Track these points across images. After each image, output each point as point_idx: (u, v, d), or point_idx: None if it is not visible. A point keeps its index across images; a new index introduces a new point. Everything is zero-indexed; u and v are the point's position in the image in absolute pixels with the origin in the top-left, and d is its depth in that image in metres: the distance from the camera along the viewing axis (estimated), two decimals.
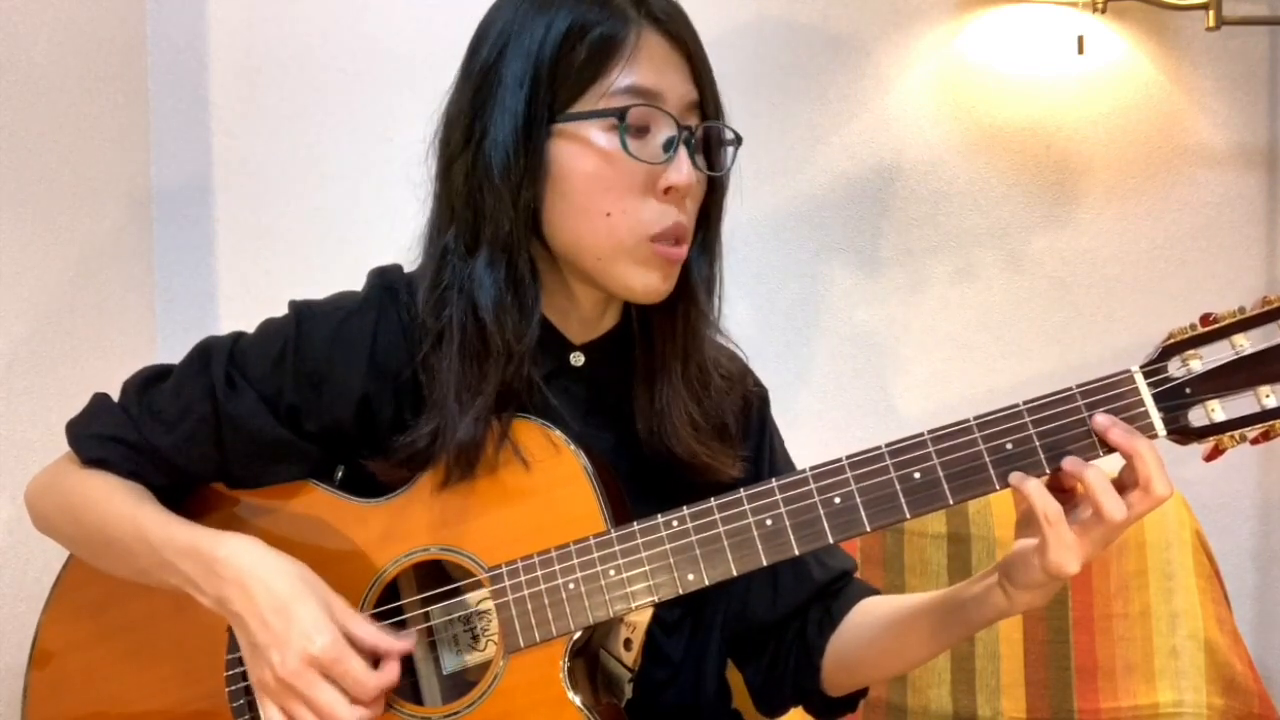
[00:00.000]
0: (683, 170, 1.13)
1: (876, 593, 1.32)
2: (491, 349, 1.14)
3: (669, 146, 1.13)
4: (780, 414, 1.41)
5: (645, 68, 1.12)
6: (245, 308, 2.12)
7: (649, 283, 1.16)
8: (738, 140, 1.20)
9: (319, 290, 1.28)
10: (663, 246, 1.14)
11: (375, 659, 1.12)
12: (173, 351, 1.27)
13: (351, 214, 2.13)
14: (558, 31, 1.12)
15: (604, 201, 1.13)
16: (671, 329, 1.22)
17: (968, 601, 1.16)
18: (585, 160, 1.13)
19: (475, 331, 1.15)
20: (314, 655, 1.07)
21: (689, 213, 1.17)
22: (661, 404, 1.21)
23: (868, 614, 1.28)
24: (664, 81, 1.13)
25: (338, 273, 1.31)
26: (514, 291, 1.15)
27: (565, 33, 1.12)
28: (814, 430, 2.16)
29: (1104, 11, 2.00)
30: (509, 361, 1.14)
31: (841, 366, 2.18)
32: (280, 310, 1.26)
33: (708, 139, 1.19)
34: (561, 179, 1.14)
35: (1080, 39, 2.05)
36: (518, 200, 1.14)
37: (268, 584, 1.10)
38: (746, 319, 2.14)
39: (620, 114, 1.12)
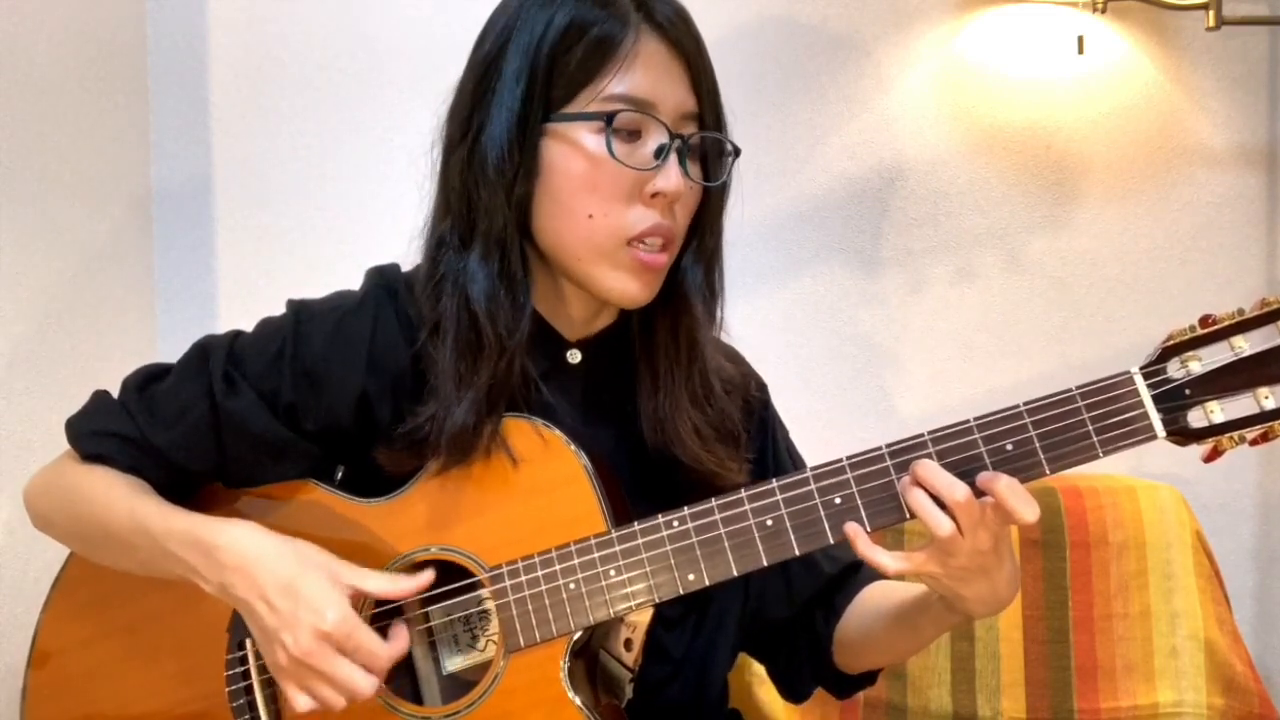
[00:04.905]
0: (671, 177, 1.13)
1: (880, 577, 1.34)
2: (484, 342, 1.14)
3: (660, 153, 1.13)
4: (780, 414, 1.42)
5: (640, 74, 1.12)
6: (245, 308, 2.11)
7: (627, 289, 1.16)
8: (736, 152, 1.20)
9: (319, 290, 1.28)
10: (642, 252, 1.14)
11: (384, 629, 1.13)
12: (173, 351, 1.27)
13: (351, 214, 2.12)
14: (557, 28, 1.12)
15: (587, 203, 1.13)
16: (670, 337, 1.22)
17: (933, 611, 1.19)
18: (574, 161, 1.13)
19: (469, 324, 1.15)
20: (326, 631, 1.07)
21: (678, 219, 1.17)
22: (664, 412, 1.21)
23: (865, 606, 1.31)
24: (660, 89, 1.13)
25: (338, 273, 1.31)
26: (506, 286, 1.16)
27: (564, 30, 1.12)
28: (814, 430, 2.14)
29: (1104, 11, 2.00)
30: (501, 355, 1.14)
31: (842, 367, 2.18)
32: (280, 310, 1.26)
33: (704, 149, 1.19)
34: (550, 178, 1.14)
35: (1080, 39, 2.05)
36: (510, 196, 1.14)
37: (270, 566, 1.10)
38: (747, 319, 2.13)
39: (608, 118, 1.12)
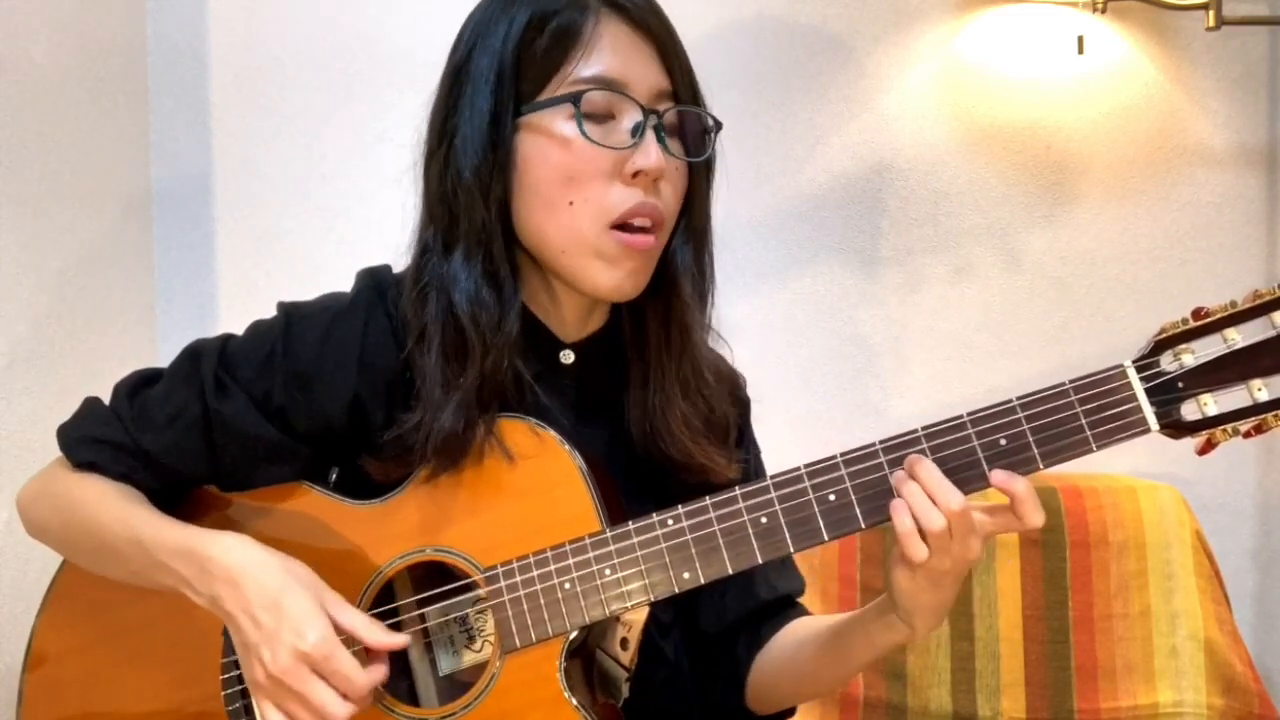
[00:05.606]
0: (650, 154, 1.12)
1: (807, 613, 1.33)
2: (469, 344, 1.14)
3: (636, 131, 1.13)
4: (780, 414, 1.42)
5: (607, 55, 1.12)
6: (245, 308, 2.11)
7: (613, 279, 1.15)
8: (717, 126, 1.19)
9: (318, 291, 1.28)
10: (627, 235, 1.13)
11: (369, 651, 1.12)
12: (173, 352, 1.27)
13: (351, 214, 2.13)
14: (519, 25, 1.13)
15: (567, 190, 1.13)
16: (661, 325, 1.22)
17: (870, 628, 1.17)
18: (549, 150, 1.13)
19: (453, 327, 1.14)
20: (305, 651, 1.06)
21: (664, 198, 1.16)
22: (655, 406, 1.21)
23: (791, 635, 1.29)
24: (629, 69, 1.13)
25: (338, 273, 1.31)
26: (490, 286, 1.15)
27: (526, 25, 1.12)
28: (814, 430, 2.16)
29: (1104, 11, 2.00)
30: (486, 355, 1.14)
31: (841, 366, 2.17)
32: None
33: (684, 125, 1.18)
34: (528, 170, 1.14)
35: (1080, 39, 2.05)
36: (488, 195, 1.14)
37: (258, 580, 1.09)
38: (746, 319, 2.13)
39: (575, 99, 1.11)
